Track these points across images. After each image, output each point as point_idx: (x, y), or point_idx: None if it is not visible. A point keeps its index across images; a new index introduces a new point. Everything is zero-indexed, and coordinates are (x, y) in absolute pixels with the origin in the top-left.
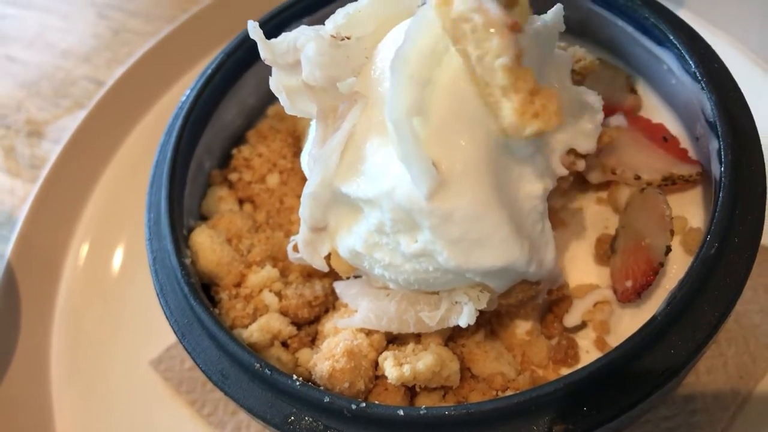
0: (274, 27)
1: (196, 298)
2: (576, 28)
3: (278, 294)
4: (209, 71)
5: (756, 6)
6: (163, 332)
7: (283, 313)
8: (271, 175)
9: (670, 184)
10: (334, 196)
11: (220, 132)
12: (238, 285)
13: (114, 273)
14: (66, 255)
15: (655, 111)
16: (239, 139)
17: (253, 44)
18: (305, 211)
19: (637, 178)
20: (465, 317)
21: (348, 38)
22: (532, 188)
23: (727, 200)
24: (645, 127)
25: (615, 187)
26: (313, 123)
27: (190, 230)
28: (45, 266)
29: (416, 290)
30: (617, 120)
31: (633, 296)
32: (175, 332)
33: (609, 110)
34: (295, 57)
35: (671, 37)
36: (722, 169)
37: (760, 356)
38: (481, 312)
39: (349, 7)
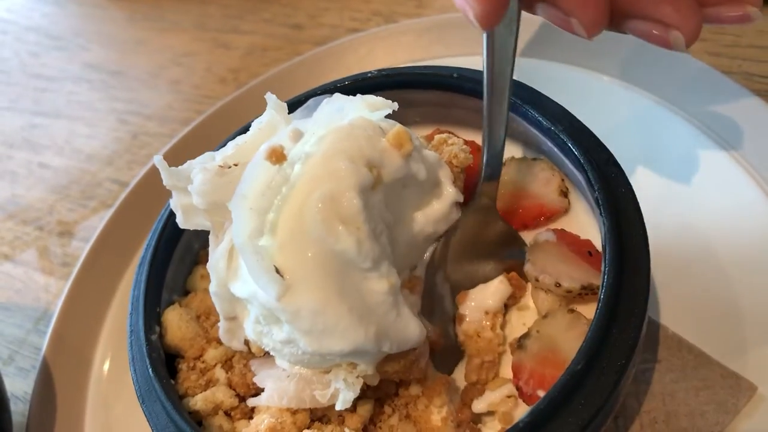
0: None
1: (155, 369)
2: (518, 137)
3: (229, 369)
4: None
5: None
6: None
7: (231, 386)
8: None
9: (590, 293)
10: (230, 294)
11: None
12: (197, 358)
13: None
14: (96, 347)
15: (584, 217)
16: None
17: None
18: (216, 305)
19: (558, 285)
20: (340, 402)
21: (236, 165)
22: (376, 285)
23: (598, 325)
24: (572, 242)
25: (534, 291)
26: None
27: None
28: (77, 358)
29: (310, 370)
30: (546, 235)
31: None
32: (138, 397)
33: (538, 213)
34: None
35: (582, 162)
36: (601, 296)
37: None
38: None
39: (239, 140)
